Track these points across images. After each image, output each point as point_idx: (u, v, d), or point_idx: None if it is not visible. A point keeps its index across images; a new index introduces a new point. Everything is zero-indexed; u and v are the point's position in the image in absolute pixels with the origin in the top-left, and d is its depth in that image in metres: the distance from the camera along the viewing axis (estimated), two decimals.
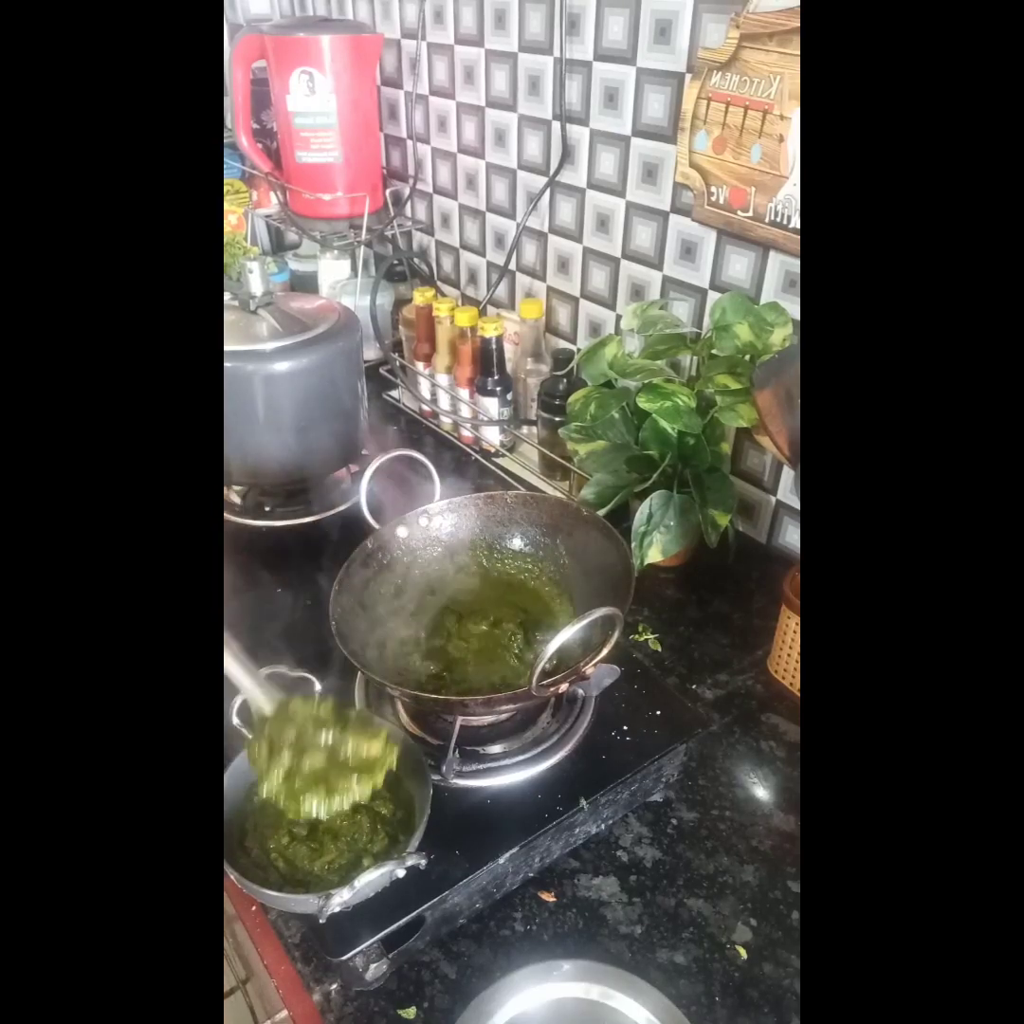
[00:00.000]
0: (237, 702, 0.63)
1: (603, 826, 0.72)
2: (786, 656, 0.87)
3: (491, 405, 1.23)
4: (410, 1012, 0.60)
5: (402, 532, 0.82)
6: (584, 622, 0.60)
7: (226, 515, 1.10)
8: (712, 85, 0.95)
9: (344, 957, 0.57)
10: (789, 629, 0.85)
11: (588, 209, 1.20)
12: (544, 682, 0.62)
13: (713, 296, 1.05)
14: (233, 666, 0.59)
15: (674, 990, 0.61)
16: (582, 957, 0.60)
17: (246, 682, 0.59)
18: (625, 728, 0.73)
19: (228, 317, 1.00)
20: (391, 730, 0.62)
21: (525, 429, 1.29)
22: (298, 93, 1.34)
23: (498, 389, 1.22)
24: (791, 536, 1.08)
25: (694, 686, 0.88)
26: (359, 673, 0.76)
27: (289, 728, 0.57)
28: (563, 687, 0.67)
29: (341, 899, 0.54)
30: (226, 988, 0.80)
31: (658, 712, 0.75)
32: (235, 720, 0.63)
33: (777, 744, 0.82)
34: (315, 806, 0.55)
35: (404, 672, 0.73)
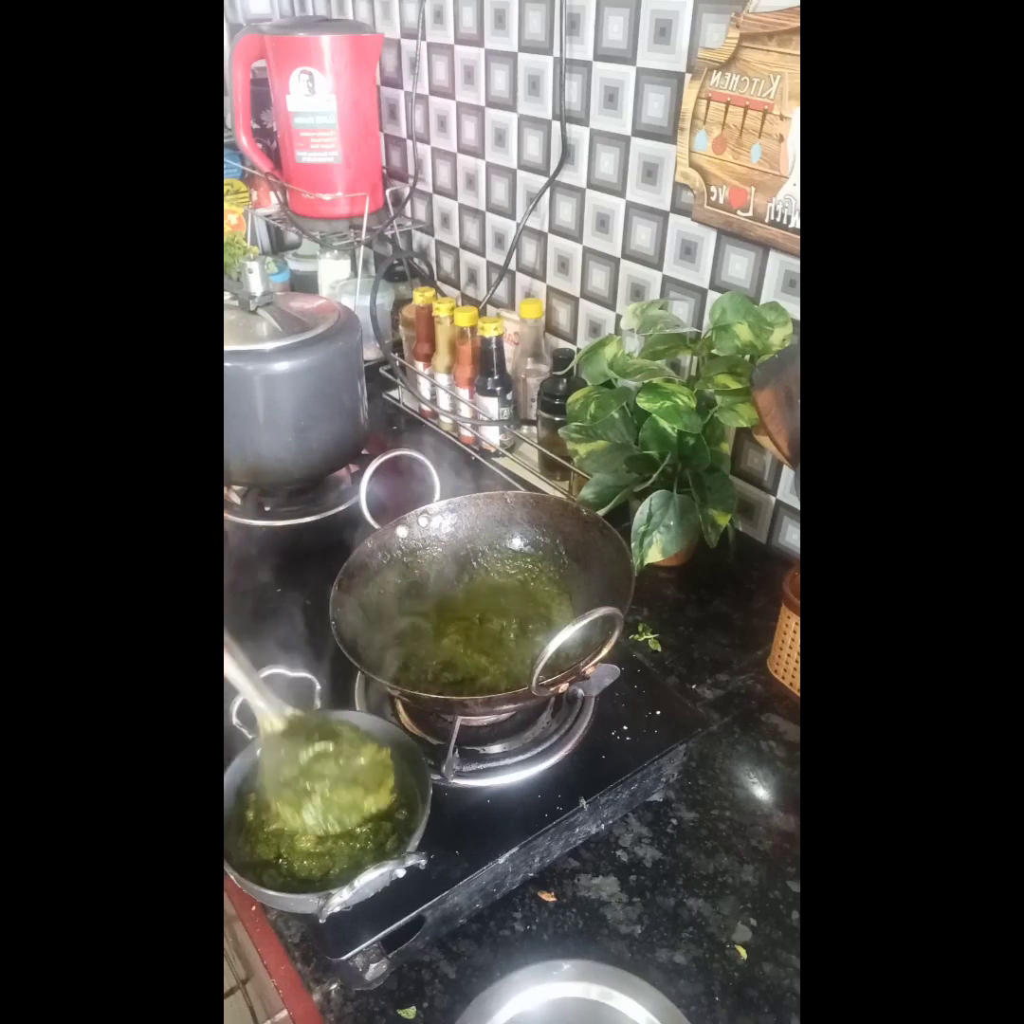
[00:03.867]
0: (237, 702, 0.63)
1: (603, 826, 0.72)
2: (786, 656, 0.87)
3: (491, 405, 1.23)
4: (410, 1012, 0.60)
5: (402, 532, 0.82)
6: (584, 622, 0.60)
7: (226, 515, 1.10)
8: (712, 85, 0.95)
9: (344, 957, 0.57)
10: (789, 629, 0.85)
11: (588, 209, 1.20)
12: (544, 682, 0.62)
13: (713, 296, 1.05)
14: (235, 672, 0.60)
15: (674, 990, 0.61)
16: (582, 957, 0.60)
17: (248, 688, 0.61)
18: (625, 728, 0.73)
19: (228, 317, 1.00)
20: (382, 741, 0.64)
21: (525, 429, 1.29)
22: (298, 93, 1.34)
23: (498, 389, 1.22)
24: (791, 536, 1.08)
25: (694, 686, 0.88)
26: (359, 673, 0.76)
27: (301, 756, 0.60)
28: (563, 687, 0.67)
29: (341, 899, 0.54)
30: (226, 988, 0.80)
31: (658, 712, 0.75)
32: (235, 720, 0.64)
33: (777, 744, 0.82)
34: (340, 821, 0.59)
35: (404, 672, 0.73)
